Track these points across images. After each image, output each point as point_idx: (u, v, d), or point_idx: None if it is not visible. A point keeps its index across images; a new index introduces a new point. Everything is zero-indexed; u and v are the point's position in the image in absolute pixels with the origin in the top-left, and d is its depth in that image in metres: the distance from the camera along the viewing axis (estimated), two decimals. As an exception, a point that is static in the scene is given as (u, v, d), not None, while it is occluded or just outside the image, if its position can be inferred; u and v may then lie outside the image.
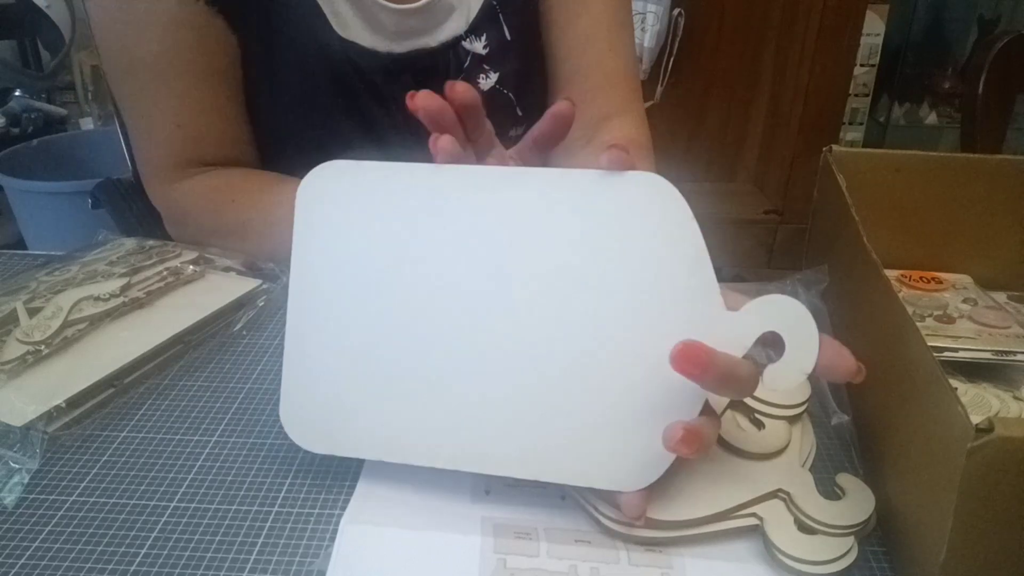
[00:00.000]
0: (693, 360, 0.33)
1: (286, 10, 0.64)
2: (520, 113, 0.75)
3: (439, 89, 0.71)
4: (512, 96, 0.73)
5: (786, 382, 0.35)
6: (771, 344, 0.36)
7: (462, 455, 0.40)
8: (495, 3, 0.71)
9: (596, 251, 0.39)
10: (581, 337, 0.38)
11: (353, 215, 0.42)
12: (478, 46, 0.70)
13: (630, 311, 0.38)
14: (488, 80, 0.71)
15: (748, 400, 0.44)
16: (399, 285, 0.41)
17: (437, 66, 0.70)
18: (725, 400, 0.42)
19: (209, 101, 0.65)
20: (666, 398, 0.37)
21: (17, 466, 0.42)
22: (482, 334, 0.40)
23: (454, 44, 0.70)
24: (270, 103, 0.67)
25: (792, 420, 0.44)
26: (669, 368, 0.34)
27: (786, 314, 0.35)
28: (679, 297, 0.37)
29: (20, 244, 1.64)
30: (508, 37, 0.71)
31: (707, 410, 0.37)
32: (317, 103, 0.67)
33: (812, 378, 0.41)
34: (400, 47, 0.68)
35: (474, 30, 0.70)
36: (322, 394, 0.42)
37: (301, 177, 0.68)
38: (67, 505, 0.40)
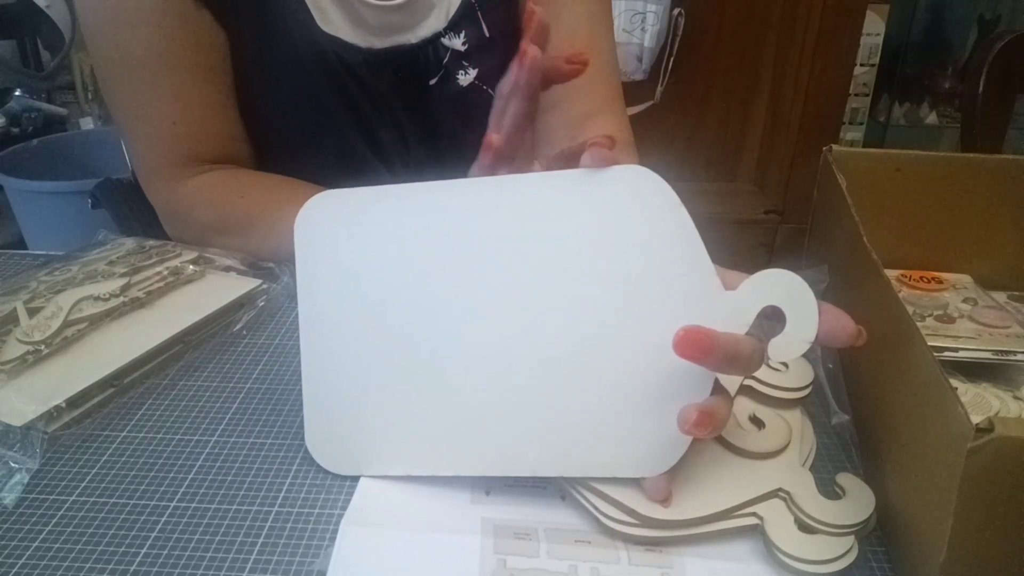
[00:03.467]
0: (695, 344, 0.34)
1: (272, 4, 0.64)
2: None
3: (418, 84, 0.71)
4: (492, 93, 0.73)
5: (791, 353, 0.36)
6: (772, 318, 0.36)
7: (485, 460, 0.40)
8: (474, 1, 0.71)
9: (591, 248, 0.39)
10: (587, 333, 0.39)
11: (353, 241, 0.43)
12: (457, 43, 0.71)
13: (631, 302, 0.38)
14: (467, 76, 0.72)
15: (755, 384, 0.45)
16: (406, 303, 0.42)
17: (417, 62, 0.71)
18: (737, 380, 0.43)
19: (203, 97, 0.65)
20: (676, 382, 0.37)
21: (17, 466, 0.42)
22: (491, 341, 0.40)
23: (433, 40, 0.71)
24: (262, 98, 0.68)
25: (797, 404, 0.44)
26: (675, 353, 0.34)
27: (783, 287, 0.36)
28: (677, 283, 0.38)
29: (20, 244, 1.64)
30: (487, 34, 0.72)
31: (718, 389, 0.38)
32: (308, 96, 0.68)
33: (814, 374, 0.41)
34: (381, 42, 0.69)
35: (453, 27, 0.71)
36: (344, 418, 0.43)
37: (296, 173, 0.68)
38: (67, 505, 0.40)
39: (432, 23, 0.70)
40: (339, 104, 0.68)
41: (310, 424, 0.43)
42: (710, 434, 0.36)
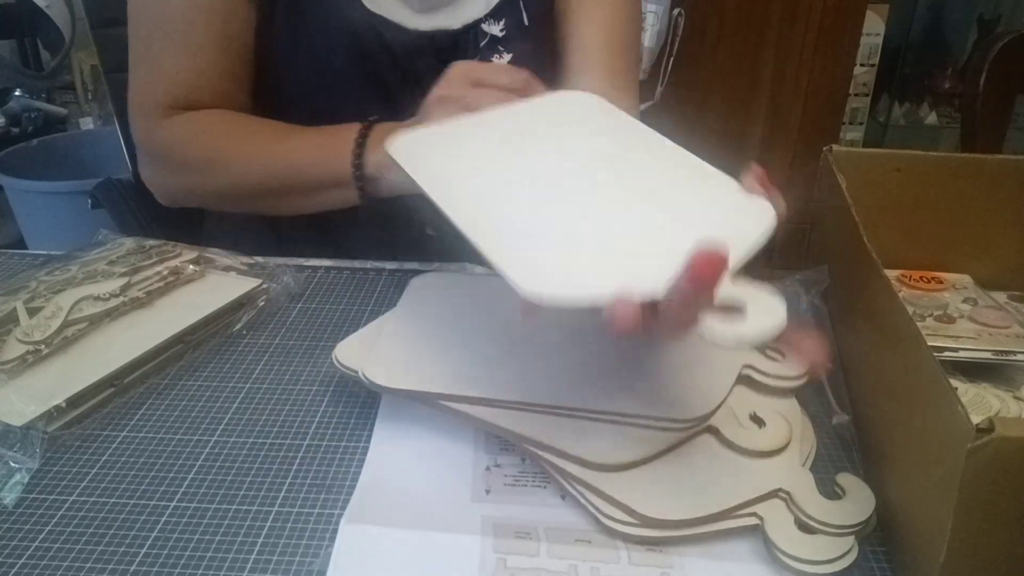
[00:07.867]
0: (711, 264, 0.32)
1: None
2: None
3: None
4: None
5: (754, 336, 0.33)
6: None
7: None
8: None
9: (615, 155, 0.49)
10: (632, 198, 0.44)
11: (450, 154, 0.48)
12: (495, 29, 0.73)
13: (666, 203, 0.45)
14: (500, 60, 0.74)
15: (753, 373, 0.45)
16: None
17: (457, 47, 0.72)
18: (736, 371, 0.44)
19: (216, 63, 0.67)
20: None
21: (17, 466, 0.42)
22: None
23: (474, 26, 0.72)
24: (290, 71, 0.69)
25: (793, 393, 0.45)
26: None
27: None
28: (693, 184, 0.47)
29: (20, 244, 1.64)
30: (526, 23, 0.73)
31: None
32: (338, 74, 0.69)
33: (814, 377, 0.41)
34: (425, 24, 0.70)
35: (494, 14, 0.73)
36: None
37: None
38: (67, 505, 0.40)
39: (474, 8, 0.72)
40: (369, 83, 0.70)
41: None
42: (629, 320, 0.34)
